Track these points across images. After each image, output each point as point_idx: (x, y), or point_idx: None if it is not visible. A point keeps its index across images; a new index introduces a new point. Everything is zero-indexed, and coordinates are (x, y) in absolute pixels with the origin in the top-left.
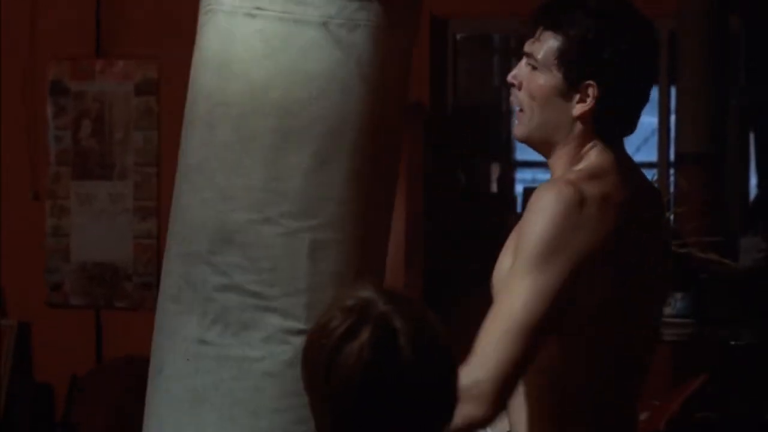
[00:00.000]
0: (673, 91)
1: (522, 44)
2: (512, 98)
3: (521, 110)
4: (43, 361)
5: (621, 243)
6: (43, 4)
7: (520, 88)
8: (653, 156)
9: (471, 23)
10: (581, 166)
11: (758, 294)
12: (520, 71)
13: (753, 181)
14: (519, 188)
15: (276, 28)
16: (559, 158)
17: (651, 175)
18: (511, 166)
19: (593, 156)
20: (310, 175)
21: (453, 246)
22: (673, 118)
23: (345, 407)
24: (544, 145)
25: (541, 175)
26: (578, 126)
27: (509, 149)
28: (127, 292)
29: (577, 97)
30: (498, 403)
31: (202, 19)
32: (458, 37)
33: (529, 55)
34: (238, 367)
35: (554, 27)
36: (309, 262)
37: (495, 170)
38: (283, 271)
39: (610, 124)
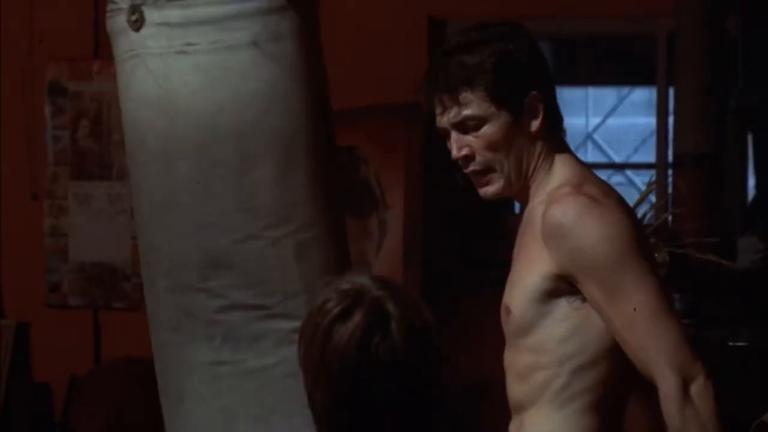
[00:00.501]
0: (671, 92)
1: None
2: (468, 170)
3: (486, 170)
4: (41, 361)
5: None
6: (41, 4)
7: (474, 155)
8: (651, 157)
9: (469, 24)
10: (564, 178)
11: (756, 295)
12: (462, 141)
13: (751, 182)
14: None
15: (210, 59)
16: (537, 184)
17: (649, 176)
18: None
19: (568, 167)
20: (277, 185)
21: (451, 246)
22: (671, 119)
23: (338, 386)
24: (523, 185)
25: None
26: (539, 143)
27: None
28: (126, 293)
29: (527, 116)
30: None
31: (126, 65)
32: None
33: (460, 123)
34: (260, 377)
35: (463, 84)
36: (298, 264)
37: None
38: (277, 279)
39: (557, 123)
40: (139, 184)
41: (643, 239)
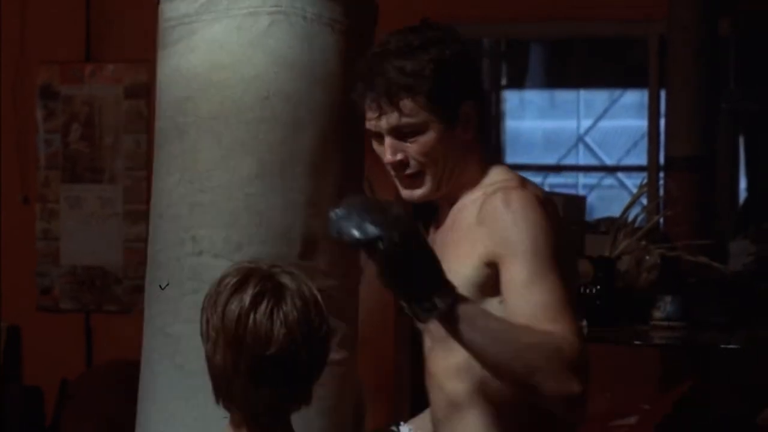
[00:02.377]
0: (663, 94)
1: (510, 49)
2: (399, 174)
3: (418, 174)
4: (32, 364)
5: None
6: (32, 8)
7: (407, 161)
8: (643, 159)
9: (462, 28)
10: (503, 179)
11: (747, 297)
12: (397, 146)
13: (742, 184)
14: None
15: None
16: (467, 188)
17: (640, 178)
18: None
19: (505, 172)
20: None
21: None
22: (662, 121)
23: (234, 349)
24: (451, 189)
25: (531, 178)
26: (471, 150)
27: (499, 152)
28: (117, 296)
29: (462, 123)
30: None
31: (176, 32)
32: None
33: (397, 129)
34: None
35: (402, 90)
36: None
37: None
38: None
39: (486, 129)
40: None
41: (567, 254)
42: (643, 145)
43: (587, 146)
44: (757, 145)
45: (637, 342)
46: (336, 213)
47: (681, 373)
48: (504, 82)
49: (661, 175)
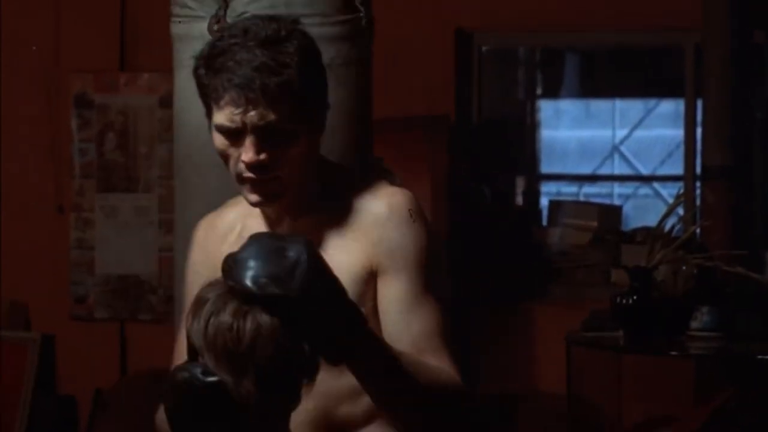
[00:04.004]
0: (699, 104)
1: (544, 59)
2: (255, 176)
3: (273, 178)
4: (66, 374)
5: None
6: (66, 17)
7: (267, 162)
8: (678, 169)
9: (496, 36)
10: (375, 183)
11: None
12: (260, 147)
13: None
14: (544, 201)
15: None
16: (319, 195)
17: (676, 188)
18: (535, 179)
19: (369, 177)
20: None
21: (478, 259)
22: (698, 131)
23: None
24: (299, 197)
25: (566, 188)
26: (316, 158)
27: (534, 162)
28: (152, 305)
29: (320, 129)
30: None
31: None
32: (483, 49)
33: (263, 129)
34: None
35: (276, 91)
36: None
37: (520, 183)
38: None
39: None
40: (195, 184)
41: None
42: (678, 154)
43: (622, 156)
44: None
45: (673, 352)
46: (233, 259)
47: (717, 384)
48: (539, 91)
49: (698, 184)
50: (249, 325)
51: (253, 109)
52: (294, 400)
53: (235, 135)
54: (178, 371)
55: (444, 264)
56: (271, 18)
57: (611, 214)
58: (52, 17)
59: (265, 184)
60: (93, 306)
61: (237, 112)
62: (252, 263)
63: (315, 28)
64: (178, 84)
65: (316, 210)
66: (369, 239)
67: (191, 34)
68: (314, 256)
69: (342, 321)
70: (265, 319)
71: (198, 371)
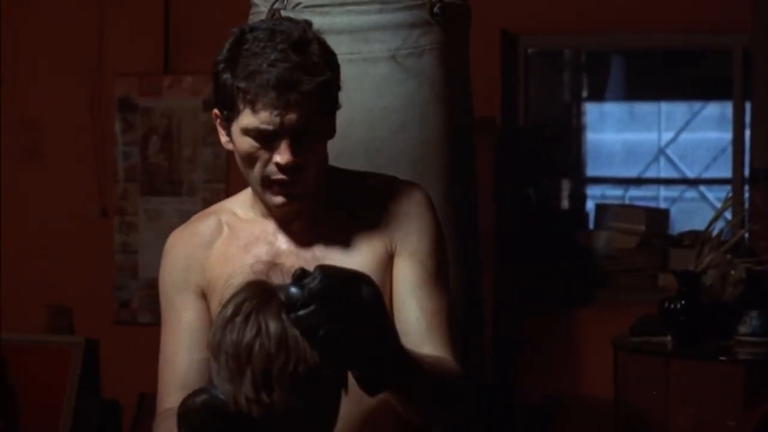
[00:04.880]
0: (747, 106)
1: (590, 62)
2: (286, 179)
3: (298, 181)
4: (110, 378)
5: None
6: (110, 20)
7: (302, 167)
8: (724, 172)
9: (542, 38)
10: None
11: None
12: (298, 149)
13: None
14: (589, 205)
15: (346, 69)
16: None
17: (722, 191)
18: (581, 182)
19: (376, 176)
20: None
21: (523, 263)
22: (747, 133)
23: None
24: (316, 193)
25: (610, 191)
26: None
27: (579, 165)
28: None
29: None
30: None
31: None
32: (529, 52)
33: (300, 130)
34: None
35: (318, 93)
36: None
37: (565, 187)
38: None
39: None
40: None
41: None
42: (724, 157)
43: (668, 159)
44: None
45: (722, 357)
46: (295, 291)
47: (766, 389)
48: (584, 94)
49: (746, 187)
50: (267, 331)
51: (292, 111)
52: (326, 423)
53: (268, 137)
54: (197, 395)
55: (450, 267)
56: (290, 20)
57: (659, 217)
58: (96, 20)
59: (293, 186)
60: (137, 310)
61: (275, 114)
62: (321, 295)
63: (373, 15)
64: None
65: (326, 209)
66: (386, 227)
67: None
68: (379, 297)
69: (390, 359)
70: (275, 327)
71: (217, 392)
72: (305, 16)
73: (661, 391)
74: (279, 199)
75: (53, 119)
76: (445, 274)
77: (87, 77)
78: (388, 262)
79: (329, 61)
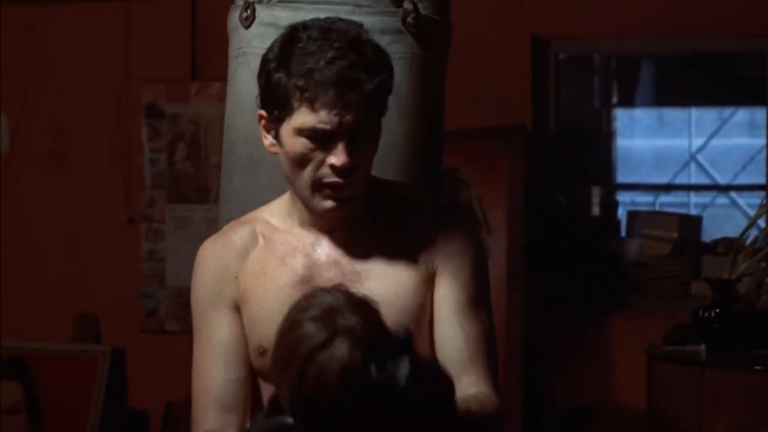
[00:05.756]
0: None
1: (620, 67)
2: (341, 181)
3: (350, 184)
4: (137, 387)
5: None
6: (136, 26)
7: (355, 169)
8: (755, 178)
9: (573, 43)
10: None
11: None
12: (354, 150)
13: None
14: (621, 211)
15: None
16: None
17: (754, 197)
18: (612, 188)
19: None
20: None
21: (555, 270)
22: None
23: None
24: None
25: (640, 197)
26: None
27: (610, 171)
28: None
29: None
30: None
31: (233, 63)
32: (561, 57)
33: (357, 131)
34: None
35: (380, 93)
36: None
37: (595, 193)
38: None
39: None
40: (225, 190)
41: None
42: (756, 163)
43: (699, 165)
44: None
45: (757, 367)
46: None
47: None
48: (615, 100)
49: None
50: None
51: (351, 111)
52: None
53: (324, 138)
54: (269, 419)
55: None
56: (341, 19)
57: (691, 224)
58: (123, 26)
59: (344, 189)
60: (164, 319)
61: (334, 113)
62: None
63: (344, 15)
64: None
65: (364, 217)
66: (429, 244)
67: (231, 26)
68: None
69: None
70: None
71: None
72: (277, 10)
73: (695, 401)
74: (329, 203)
75: (80, 126)
76: (487, 297)
77: (114, 83)
78: (429, 280)
79: (385, 61)
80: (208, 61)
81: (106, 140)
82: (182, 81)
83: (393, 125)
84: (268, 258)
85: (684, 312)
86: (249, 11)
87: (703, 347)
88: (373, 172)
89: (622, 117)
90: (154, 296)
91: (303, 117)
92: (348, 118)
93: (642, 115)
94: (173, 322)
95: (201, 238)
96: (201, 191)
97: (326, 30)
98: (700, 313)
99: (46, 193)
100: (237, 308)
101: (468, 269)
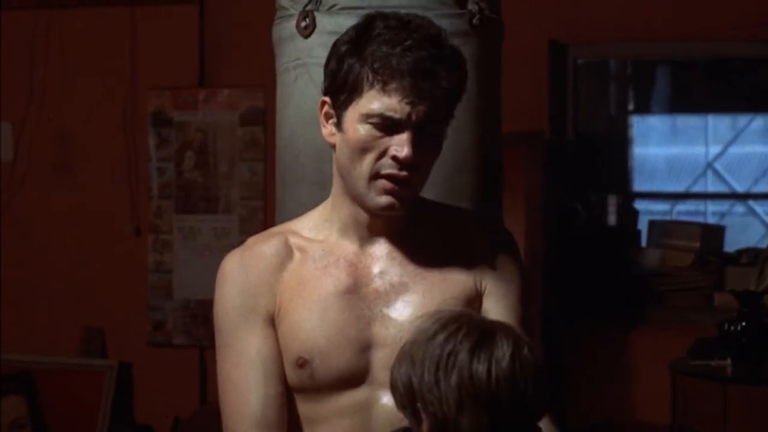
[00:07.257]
0: None
1: (635, 74)
2: (401, 175)
3: (410, 180)
4: (144, 402)
5: None
6: (143, 33)
7: (417, 167)
8: None
9: (591, 48)
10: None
11: None
12: (420, 144)
13: None
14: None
15: None
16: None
17: None
18: (629, 197)
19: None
20: None
21: (572, 280)
22: None
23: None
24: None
25: (657, 206)
26: None
27: (627, 180)
28: None
29: None
30: None
31: (290, 74)
32: (579, 62)
33: (426, 125)
34: None
35: (454, 89)
36: None
37: (612, 202)
38: None
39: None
40: (287, 203)
41: None
42: None
43: (716, 173)
44: None
45: None
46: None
47: None
48: (631, 107)
49: None
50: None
51: (423, 102)
52: None
53: (390, 126)
54: None
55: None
56: (417, 16)
57: (714, 234)
58: (129, 33)
59: (404, 186)
60: (171, 332)
61: (406, 101)
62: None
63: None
64: (278, 92)
65: (410, 228)
66: (478, 264)
67: (282, 36)
68: None
69: None
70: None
71: None
72: (341, 17)
73: (719, 417)
74: (385, 199)
75: (85, 134)
76: (532, 319)
77: (120, 90)
78: (475, 299)
79: (462, 63)
80: (217, 67)
81: (112, 149)
82: (190, 88)
83: (465, 131)
84: (307, 269)
85: (706, 325)
86: (308, 20)
87: (729, 362)
88: (449, 180)
89: (639, 124)
90: (162, 309)
91: (372, 102)
92: (419, 108)
93: (657, 122)
94: (181, 335)
95: (209, 249)
96: (210, 201)
97: (405, 21)
98: (727, 326)
99: (51, 203)
100: (272, 321)
101: (516, 293)
